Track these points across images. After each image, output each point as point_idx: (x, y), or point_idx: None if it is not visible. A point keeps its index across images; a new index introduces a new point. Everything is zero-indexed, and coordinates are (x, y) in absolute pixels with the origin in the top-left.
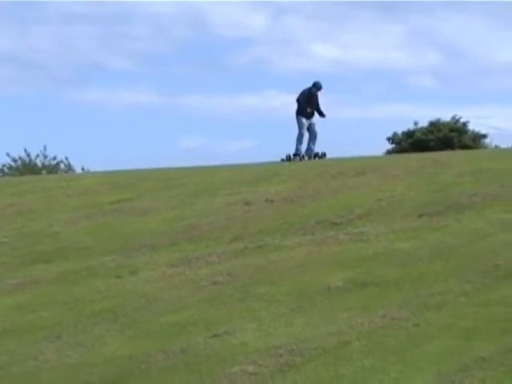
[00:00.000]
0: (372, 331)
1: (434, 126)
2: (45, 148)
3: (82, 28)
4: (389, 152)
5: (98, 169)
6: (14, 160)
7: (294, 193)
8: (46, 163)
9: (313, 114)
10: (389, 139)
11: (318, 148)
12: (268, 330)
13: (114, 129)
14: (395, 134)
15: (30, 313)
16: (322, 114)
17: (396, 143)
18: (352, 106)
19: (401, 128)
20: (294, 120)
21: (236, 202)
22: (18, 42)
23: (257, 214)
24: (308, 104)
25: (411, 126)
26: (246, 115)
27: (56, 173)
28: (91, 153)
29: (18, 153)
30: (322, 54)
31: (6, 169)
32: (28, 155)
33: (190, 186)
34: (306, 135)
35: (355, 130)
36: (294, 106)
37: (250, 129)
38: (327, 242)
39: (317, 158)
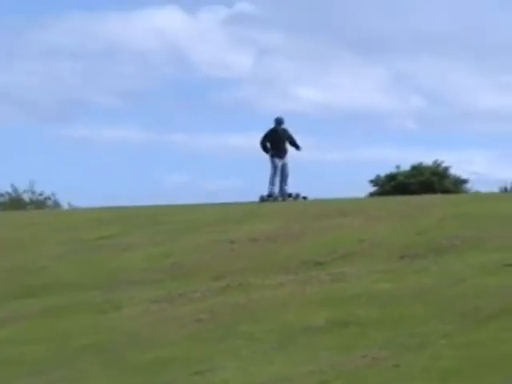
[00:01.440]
0: (352, 371)
1: (416, 169)
2: (32, 183)
3: (67, 64)
4: (371, 194)
5: (85, 205)
6: (1, 195)
7: (277, 232)
8: (34, 198)
9: (285, 153)
10: (371, 181)
11: (301, 188)
12: (248, 368)
13: (99, 165)
14: (378, 176)
15: (11, 348)
16: (298, 147)
17: (378, 186)
18: (335, 148)
19: (383, 171)
20: (268, 160)
21: (220, 240)
22: (2, 76)
23: (240, 253)
24: (278, 143)
25: (393, 170)
26: (231, 154)
27: (43, 208)
28: (77, 189)
29: (5, 188)
30: (305, 96)
31: None
32: (15, 190)
33: (175, 224)
34: (278, 177)
35: (338, 172)
36: (258, 150)
37: (235, 167)
38: (309, 282)
39: (291, 198)
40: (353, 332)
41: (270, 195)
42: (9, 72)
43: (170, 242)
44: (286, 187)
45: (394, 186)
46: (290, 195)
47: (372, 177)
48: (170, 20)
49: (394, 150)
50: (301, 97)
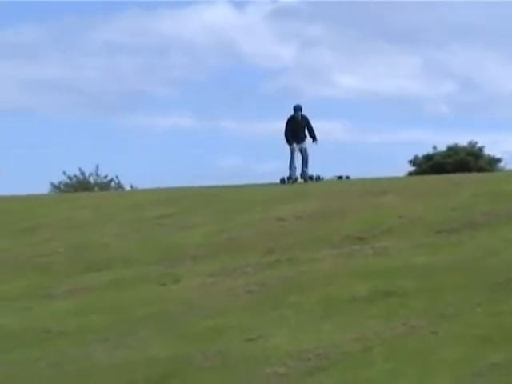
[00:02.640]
0: (393, 338)
1: (452, 150)
2: (97, 167)
3: (126, 58)
4: (410, 174)
5: (145, 186)
6: (70, 178)
7: (322, 210)
8: (99, 181)
9: (304, 138)
10: (410, 162)
11: (343, 167)
12: (298, 336)
13: (158, 150)
14: (416, 157)
15: (82, 316)
16: (314, 138)
17: (416, 166)
18: (374, 131)
19: (420, 152)
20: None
21: (269, 217)
22: (69, 70)
23: (288, 229)
24: (296, 129)
25: (430, 150)
26: (277, 138)
27: (107, 190)
28: (139, 171)
29: (74, 171)
30: (345, 83)
31: (62, 186)
32: (82, 173)
33: (228, 203)
34: (298, 159)
35: (378, 153)
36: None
37: (281, 151)
38: (353, 256)
39: (313, 180)
40: (393, 302)
41: (289, 177)
42: (74, 67)
43: (224, 220)
44: (307, 170)
45: (431, 165)
46: (310, 177)
47: (410, 157)
48: (219, 15)
49: (429, 133)
50: (341, 84)
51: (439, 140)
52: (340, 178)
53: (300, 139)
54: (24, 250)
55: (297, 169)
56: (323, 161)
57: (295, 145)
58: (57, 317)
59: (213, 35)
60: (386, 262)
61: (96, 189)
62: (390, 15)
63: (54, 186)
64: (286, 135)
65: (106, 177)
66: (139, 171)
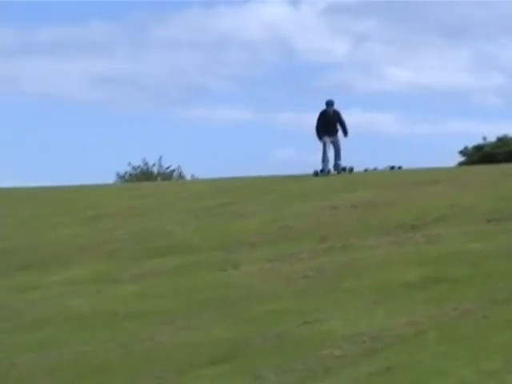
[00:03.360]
0: (445, 322)
1: (502, 140)
2: (160, 158)
3: (187, 54)
4: (460, 164)
5: (206, 176)
6: (134, 168)
7: (375, 199)
8: (162, 171)
9: (335, 132)
10: (460, 152)
11: (395, 158)
12: (352, 319)
13: (217, 142)
14: (466, 147)
15: (147, 300)
16: (346, 133)
17: (467, 156)
18: (425, 122)
19: (471, 142)
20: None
21: (324, 206)
22: (133, 66)
23: (342, 218)
24: (328, 123)
25: (480, 141)
26: None
27: (170, 180)
28: (199, 162)
29: (138, 162)
30: (397, 76)
31: (126, 176)
32: (146, 164)
33: (284, 192)
34: (331, 152)
35: (429, 144)
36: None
37: None
38: (405, 243)
39: (346, 172)
40: (445, 287)
41: (322, 170)
42: (138, 62)
43: (280, 208)
44: (340, 162)
45: (481, 156)
46: (343, 169)
47: (460, 148)
48: (275, 12)
49: (479, 124)
50: (393, 77)
51: (489, 131)
52: (392, 168)
53: (331, 132)
54: (92, 237)
55: (329, 161)
56: (376, 152)
57: (327, 138)
58: (124, 300)
59: (269, 31)
60: (437, 249)
61: (159, 179)
62: (440, 9)
63: (119, 176)
64: (317, 129)
65: (168, 167)
66: (200, 162)
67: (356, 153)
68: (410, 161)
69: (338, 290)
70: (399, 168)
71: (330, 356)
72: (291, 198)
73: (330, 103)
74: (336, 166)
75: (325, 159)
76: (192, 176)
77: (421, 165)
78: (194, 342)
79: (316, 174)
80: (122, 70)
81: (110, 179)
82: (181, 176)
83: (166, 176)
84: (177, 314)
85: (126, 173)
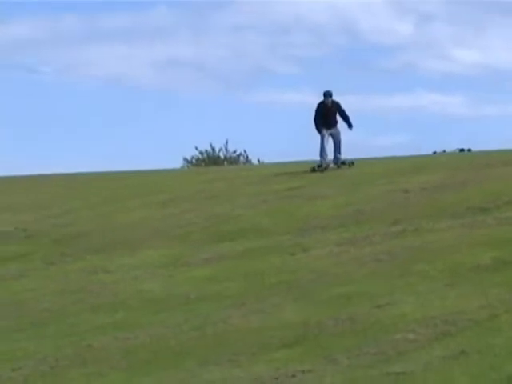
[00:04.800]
0: None
1: None
2: (227, 142)
3: (252, 37)
4: None
5: (271, 160)
6: (201, 153)
7: (445, 182)
8: (228, 156)
9: (334, 124)
10: None
11: (466, 142)
12: (424, 303)
13: (283, 125)
14: None
15: (218, 283)
16: (350, 125)
17: None
18: (493, 104)
19: None
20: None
21: (395, 189)
22: (197, 50)
23: (413, 201)
24: (326, 115)
25: None
26: (398, 113)
27: (236, 164)
28: (265, 146)
29: (205, 147)
30: (462, 57)
31: (194, 160)
32: (213, 149)
33: (354, 176)
34: (330, 145)
35: (498, 126)
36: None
37: (402, 125)
38: (476, 226)
39: (346, 165)
40: None
41: (319, 165)
42: (203, 46)
43: (350, 191)
44: (340, 155)
45: None
46: (343, 162)
47: None
48: None
49: None
50: (459, 58)
51: None
52: (462, 150)
53: (330, 125)
54: (163, 220)
55: (328, 156)
56: (444, 134)
57: (325, 131)
58: (195, 283)
59: (333, 13)
60: (509, 232)
61: (225, 163)
62: None
63: (186, 160)
64: (315, 121)
65: (234, 152)
66: (266, 146)
67: (423, 135)
68: (479, 143)
69: (409, 273)
70: (469, 150)
71: (402, 340)
72: (361, 181)
73: (327, 94)
74: (335, 159)
75: (322, 153)
76: (258, 160)
77: (490, 147)
78: (265, 325)
79: (313, 169)
80: (186, 55)
81: (177, 164)
82: (247, 160)
83: (233, 160)
84: (248, 297)
85: (192, 157)
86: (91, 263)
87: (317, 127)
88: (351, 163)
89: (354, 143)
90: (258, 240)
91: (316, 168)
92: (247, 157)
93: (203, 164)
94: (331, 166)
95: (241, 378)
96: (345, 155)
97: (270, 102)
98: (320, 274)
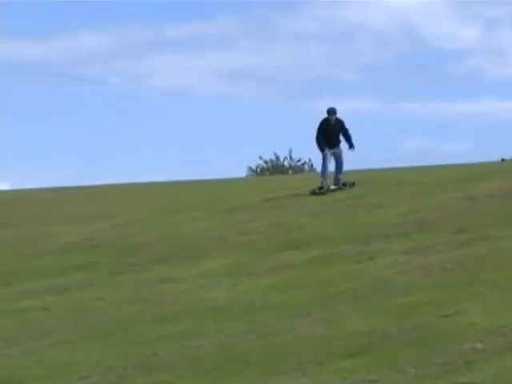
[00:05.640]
0: None
1: None
2: (291, 151)
3: (314, 46)
4: None
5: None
6: (265, 162)
7: None
8: (293, 164)
9: (337, 143)
10: None
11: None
12: (493, 312)
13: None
14: None
15: (283, 292)
16: (351, 145)
17: None
18: None
19: None
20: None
21: (460, 197)
22: (260, 59)
23: (479, 208)
24: (329, 133)
25: None
26: (462, 119)
27: (301, 173)
28: None
29: (269, 155)
30: None
31: (258, 169)
32: (277, 157)
33: (417, 183)
34: (331, 165)
35: None
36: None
37: (467, 131)
38: None
39: (346, 187)
40: None
41: (320, 188)
42: (266, 55)
43: (414, 199)
44: (340, 176)
45: None
46: (344, 184)
47: None
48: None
49: None
50: None
51: None
52: (352, 185)
53: (333, 144)
54: (227, 229)
55: (329, 178)
56: (510, 140)
57: (327, 150)
58: (260, 292)
59: (395, 20)
60: None
61: (290, 172)
62: None
63: (251, 169)
64: (317, 139)
65: (299, 160)
66: None
67: (489, 142)
68: None
69: (477, 281)
70: (352, 185)
71: (471, 349)
72: (425, 189)
73: (331, 111)
74: (336, 179)
75: (324, 174)
76: None
77: None
78: (331, 335)
79: (313, 192)
80: (248, 64)
81: (242, 173)
82: (312, 169)
83: (297, 169)
84: (313, 306)
85: (257, 166)
86: (157, 273)
87: (319, 146)
88: (352, 184)
89: (419, 150)
90: (323, 249)
91: (317, 190)
92: (312, 165)
93: (267, 173)
94: (332, 187)
95: None
96: (411, 163)
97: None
98: (385, 282)
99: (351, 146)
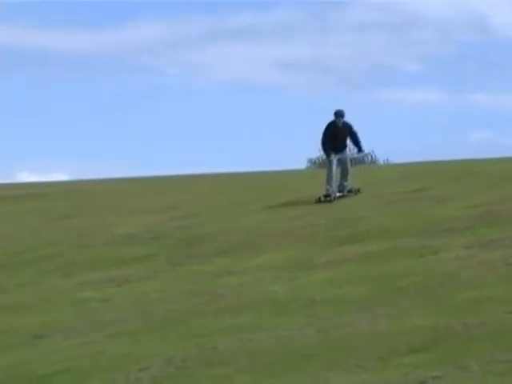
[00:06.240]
0: None
1: None
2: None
3: (374, 35)
4: None
5: (398, 161)
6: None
7: None
8: (354, 156)
9: (343, 148)
10: None
11: None
12: None
13: (408, 125)
14: None
15: (343, 286)
16: (360, 149)
17: None
18: None
19: None
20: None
21: None
22: (318, 49)
23: None
24: (336, 138)
25: None
26: None
27: (362, 164)
28: (391, 146)
29: None
30: None
31: (318, 161)
32: None
33: (482, 176)
34: (335, 172)
35: None
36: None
37: None
38: None
39: (352, 193)
40: None
41: (326, 195)
42: (326, 45)
43: (479, 193)
44: (346, 183)
45: None
46: (350, 191)
47: None
48: None
49: None
50: None
51: None
52: (350, 191)
53: (339, 149)
54: (287, 222)
55: (335, 185)
56: None
57: (333, 155)
58: (319, 286)
59: (459, 9)
60: None
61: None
62: None
63: (311, 161)
64: (323, 144)
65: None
66: (392, 146)
67: None
68: None
69: None
70: (357, 191)
71: None
72: (490, 182)
73: (339, 113)
74: (341, 186)
75: (330, 181)
76: (385, 160)
77: None
78: (393, 330)
79: (319, 200)
80: (308, 54)
81: (302, 165)
82: (373, 161)
83: (358, 161)
84: (374, 301)
85: (317, 158)
86: (216, 265)
87: (325, 151)
88: (357, 191)
89: (484, 142)
90: (384, 242)
91: (322, 198)
92: (374, 157)
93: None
94: (337, 194)
95: (369, 383)
96: (476, 155)
97: (395, 101)
98: (449, 277)
99: (360, 150)
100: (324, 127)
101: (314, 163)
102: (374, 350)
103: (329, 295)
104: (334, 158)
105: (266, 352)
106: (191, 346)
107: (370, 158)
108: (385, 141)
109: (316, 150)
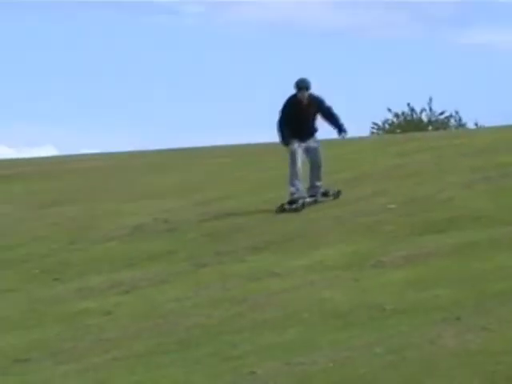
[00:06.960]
0: None
1: None
2: (430, 101)
3: None
4: None
5: (493, 124)
6: (396, 115)
7: None
8: (433, 118)
9: (312, 133)
10: None
11: None
12: None
13: (504, 76)
14: None
15: (422, 290)
16: (341, 128)
17: None
18: None
19: None
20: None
21: None
22: None
23: None
24: (299, 118)
25: None
26: None
27: (445, 129)
28: (484, 105)
29: (401, 107)
30: None
31: (386, 125)
32: (412, 110)
33: None
34: (300, 169)
35: None
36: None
37: None
38: None
39: (330, 197)
40: None
41: (292, 201)
42: None
43: None
44: (319, 182)
45: None
46: (325, 193)
47: None
48: None
49: None
50: None
51: None
52: (337, 195)
53: (305, 134)
54: (346, 206)
55: (301, 184)
56: None
57: (297, 143)
58: (391, 290)
59: None
60: None
61: (430, 128)
62: None
63: (377, 126)
64: (279, 127)
65: (442, 113)
66: (484, 105)
67: None
68: None
69: None
70: (337, 194)
71: None
72: None
73: (302, 84)
74: (312, 189)
75: (294, 180)
76: (475, 124)
77: None
78: (489, 348)
79: (282, 209)
80: None
81: (365, 131)
82: (460, 124)
83: (440, 124)
84: (464, 309)
85: (385, 122)
86: (253, 265)
87: (283, 137)
88: (337, 193)
89: None
90: (478, 232)
91: (286, 206)
92: (460, 119)
93: (399, 130)
94: (308, 200)
95: None
96: None
97: (488, 45)
98: None
99: (341, 129)
100: (282, 104)
101: (380, 128)
102: (464, 374)
103: (403, 303)
104: (299, 148)
105: (321, 378)
106: (222, 371)
107: (456, 120)
108: (476, 97)
109: (384, 111)
